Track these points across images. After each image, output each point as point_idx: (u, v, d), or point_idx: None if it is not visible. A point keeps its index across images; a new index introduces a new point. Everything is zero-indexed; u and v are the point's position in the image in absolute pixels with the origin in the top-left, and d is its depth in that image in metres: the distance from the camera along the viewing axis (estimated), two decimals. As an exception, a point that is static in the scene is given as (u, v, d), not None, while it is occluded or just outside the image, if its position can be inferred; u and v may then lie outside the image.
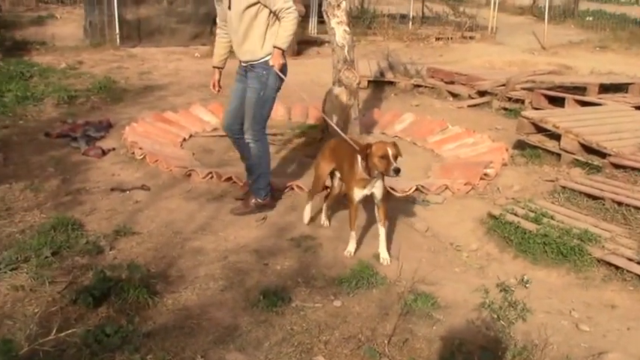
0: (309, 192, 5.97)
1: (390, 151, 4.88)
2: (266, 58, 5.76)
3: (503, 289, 4.77)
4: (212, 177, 6.90)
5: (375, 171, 4.99)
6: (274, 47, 5.67)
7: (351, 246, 5.36)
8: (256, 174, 6.16)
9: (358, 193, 5.17)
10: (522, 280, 5.04)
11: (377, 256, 5.25)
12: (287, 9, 5.57)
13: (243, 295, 4.57)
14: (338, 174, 5.65)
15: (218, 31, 6.10)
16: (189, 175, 6.97)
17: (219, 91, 6.31)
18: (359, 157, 5.07)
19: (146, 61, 13.81)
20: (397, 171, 4.82)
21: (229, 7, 5.74)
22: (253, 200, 6.14)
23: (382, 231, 5.29)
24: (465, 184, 6.94)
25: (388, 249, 5.33)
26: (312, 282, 4.81)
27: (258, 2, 5.61)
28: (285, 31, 5.63)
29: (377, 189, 5.17)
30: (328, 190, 5.98)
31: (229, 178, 6.85)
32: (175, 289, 4.61)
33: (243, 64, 5.96)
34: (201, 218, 5.98)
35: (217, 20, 6.06)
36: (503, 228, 5.89)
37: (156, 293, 4.49)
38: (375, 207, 5.30)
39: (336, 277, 4.86)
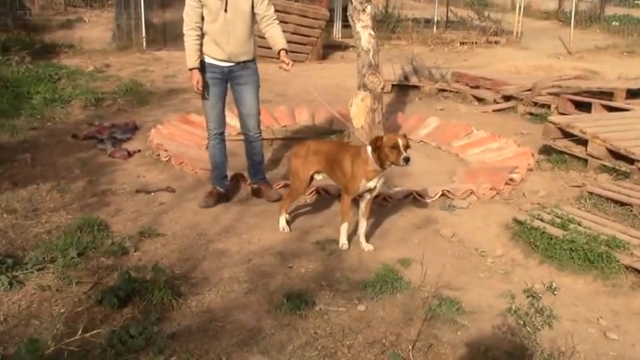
0: (285, 199, 5.92)
1: (401, 142, 5.08)
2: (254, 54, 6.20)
3: (529, 295, 4.69)
4: (237, 180, 6.89)
5: (387, 162, 5.14)
6: (283, 49, 6.01)
7: (344, 238, 5.47)
8: (262, 163, 6.57)
9: (363, 185, 5.29)
10: (549, 286, 4.97)
11: (402, 261, 5.22)
12: (274, 17, 6.06)
13: (266, 298, 4.56)
14: (318, 176, 5.75)
15: (191, 32, 5.94)
16: (215, 177, 6.96)
17: (201, 91, 6.15)
18: (369, 150, 5.19)
19: (171, 65, 13.85)
20: (407, 160, 5.04)
21: (225, 10, 5.84)
22: (273, 185, 6.57)
23: (365, 223, 5.55)
24: (491, 189, 6.88)
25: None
26: (336, 286, 4.78)
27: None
28: (282, 35, 6.08)
29: (379, 184, 5.38)
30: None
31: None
32: (199, 291, 4.61)
33: (229, 64, 6.05)
34: (226, 220, 5.98)
35: (190, 22, 5.93)
36: (528, 234, 5.81)
37: (180, 295, 4.49)
38: (364, 202, 5.49)
39: (360, 281, 4.83)
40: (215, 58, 6.01)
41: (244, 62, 6.08)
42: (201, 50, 6.02)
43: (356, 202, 5.58)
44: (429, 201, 6.60)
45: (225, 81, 6.14)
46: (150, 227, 5.66)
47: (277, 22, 6.05)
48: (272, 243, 5.52)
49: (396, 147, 5.06)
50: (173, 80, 12.39)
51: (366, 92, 7.88)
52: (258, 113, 6.33)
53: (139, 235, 5.50)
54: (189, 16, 5.93)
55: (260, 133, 6.40)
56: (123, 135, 8.45)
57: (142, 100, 10.65)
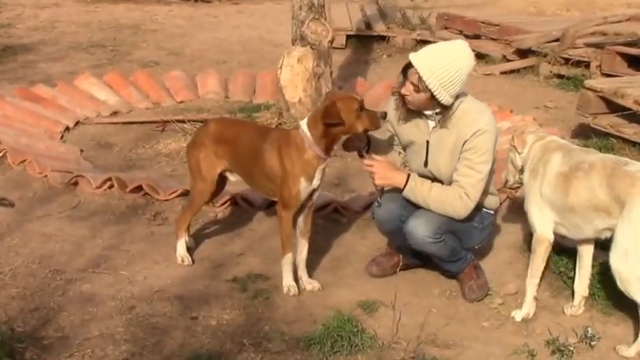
0: (184, 212, 6.03)
1: (359, 98, 5.37)
2: None
3: (556, 350, 4.83)
4: (112, 186, 6.94)
5: (338, 143, 5.36)
6: None
7: (289, 278, 5.57)
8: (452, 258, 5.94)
9: (304, 189, 5.41)
10: (584, 335, 5.08)
11: (364, 305, 5.34)
12: None
13: (159, 366, 4.63)
14: (232, 176, 5.87)
15: None
16: (76, 183, 7.01)
17: None
18: (304, 128, 5.34)
19: (4, 8, 13.78)
20: (385, 116, 5.37)
21: None
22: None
23: (306, 246, 5.71)
24: (498, 192, 6.97)
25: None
26: (265, 344, 4.87)
27: None
28: None
29: (320, 180, 5.50)
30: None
31: (139, 188, 6.91)
32: (55, 358, 4.64)
33: None
34: (94, 249, 6.03)
35: None
36: (557, 259, 5.93)
37: (25, 364, 4.53)
38: (302, 214, 5.63)
39: (301, 337, 4.93)
40: None
41: None
42: None
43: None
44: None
45: None
46: (-25, 262, 5.68)
47: None
48: (166, 282, 5.59)
49: (362, 106, 5.28)
50: (8, 32, 12.35)
51: (305, 48, 7.95)
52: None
53: (-42, 274, 5.52)
54: None
55: (436, 238, 5.61)
56: None
57: (-43, 64, 10.61)
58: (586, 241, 5.46)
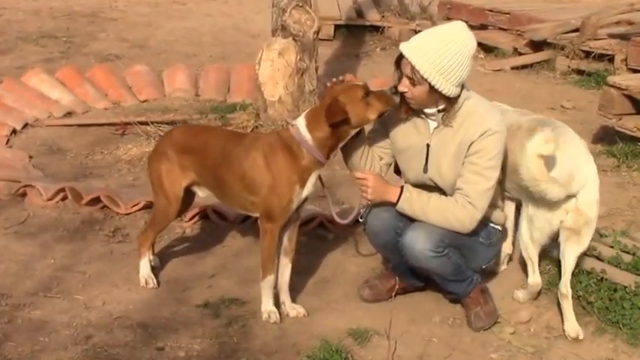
0: (147, 229, 6.03)
1: (361, 84, 5.47)
2: None
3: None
4: (65, 197, 6.94)
5: (343, 143, 5.39)
6: None
7: (269, 303, 5.56)
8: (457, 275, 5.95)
9: (297, 198, 5.43)
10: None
11: (355, 333, 5.34)
12: None
13: (119, 404, 4.63)
14: (201, 191, 5.87)
15: None
16: (24, 194, 7.01)
17: None
18: (301, 128, 5.34)
19: None
20: (395, 90, 5.37)
21: None
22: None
23: (289, 267, 5.72)
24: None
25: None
26: (242, 379, 4.88)
27: None
28: None
29: (313, 187, 5.55)
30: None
31: (96, 200, 6.91)
32: (0, 395, 4.64)
33: None
34: (46, 270, 6.02)
35: None
36: (575, 282, 5.92)
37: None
38: (288, 230, 5.65)
39: (282, 370, 4.93)
40: None
41: None
42: None
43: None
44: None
45: None
46: None
47: None
48: (128, 308, 5.58)
49: (368, 91, 5.30)
50: (-56, 22, 12.36)
51: (287, 40, 7.97)
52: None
53: None
54: None
55: (437, 252, 5.62)
56: None
57: None
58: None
